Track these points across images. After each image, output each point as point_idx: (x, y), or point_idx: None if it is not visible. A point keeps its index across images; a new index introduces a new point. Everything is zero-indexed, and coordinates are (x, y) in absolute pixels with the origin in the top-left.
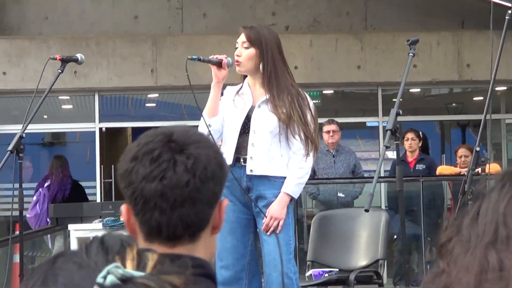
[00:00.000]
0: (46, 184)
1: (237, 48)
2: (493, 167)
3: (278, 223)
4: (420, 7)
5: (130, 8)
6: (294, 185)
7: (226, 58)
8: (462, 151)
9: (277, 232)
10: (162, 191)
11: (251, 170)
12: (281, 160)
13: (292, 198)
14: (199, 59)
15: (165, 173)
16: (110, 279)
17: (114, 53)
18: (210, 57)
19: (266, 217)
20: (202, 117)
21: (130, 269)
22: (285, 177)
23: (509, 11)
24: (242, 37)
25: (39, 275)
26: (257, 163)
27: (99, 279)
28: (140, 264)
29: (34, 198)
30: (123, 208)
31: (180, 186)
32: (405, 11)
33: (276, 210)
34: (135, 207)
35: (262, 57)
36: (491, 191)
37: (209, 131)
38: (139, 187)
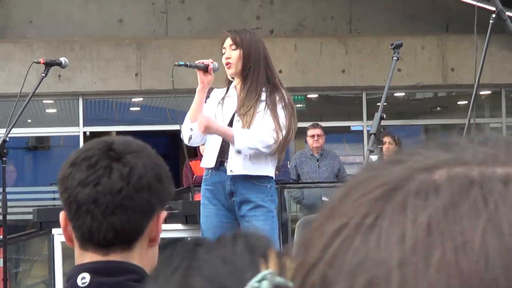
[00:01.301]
0: None
1: (224, 52)
2: None
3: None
4: (405, 11)
5: (116, 12)
6: (244, 139)
7: (212, 63)
8: None
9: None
10: (95, 196)
11: (231, 170)
12: (265, 161)
13: (231, 142)
14: (186, 65)
15: (100, 179)
16: (266, 285)
17: (98, 57)
18: (196, 62)
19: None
20: (184, 121)
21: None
22: (268, 176)
23: (493, 15)
24: (229, 41)
25: (180, 262)
26: (236, 163)
27: (254, 283)
28: (281, 270)
29: None
30: (61, 214)
31: (113, 193)
32: (390, 15)
33: (210, 122)
34: (69, 212)
35: (245, 59)
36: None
37: (191, 134)
38: (74, 192)
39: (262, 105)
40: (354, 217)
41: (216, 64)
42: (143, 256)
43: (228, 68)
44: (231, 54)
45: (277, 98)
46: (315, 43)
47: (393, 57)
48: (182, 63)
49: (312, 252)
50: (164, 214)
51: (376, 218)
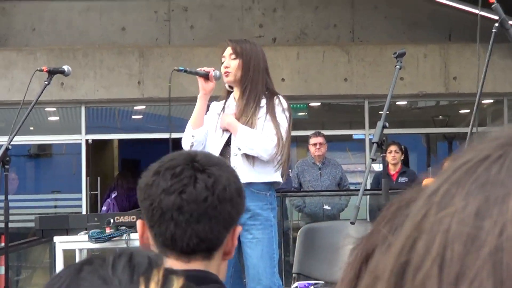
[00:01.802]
0: (113, 195)
1: (223, 61)
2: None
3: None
4: (407, 20)
5: (118, 20)
6: (248, 139)
7: (213, 70)
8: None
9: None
10: (180, 204)
11: None
12: (266, 165)
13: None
14: (186, 71)
15: (185, 187)
16: None
17: (101, 65)
18: (197, 69)
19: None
20: (186, 128)
21: None
22: (271, 182)
23: (496, 24)
24: (229, 50)
25: (63, 280)
26: (240, 172)
27: None
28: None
29: (104, 208)
30: (139, 223)
31: (198, 202)
32: (393, 23)
33: (228, 119)
34: (151, 219)
35: (244, 68)
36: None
37: (192, 142)
38: (157, 199)
39: (262, 111)
40: (477, 156)
41: (218, 72)
42: (218, 268)
43: (226, 76)
44: (230, 63)
45: (276, 102)
46: (317, 51)
47: (396, 65)
48: (182, 68)
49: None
50: (239, 228)
51: (499, 157)
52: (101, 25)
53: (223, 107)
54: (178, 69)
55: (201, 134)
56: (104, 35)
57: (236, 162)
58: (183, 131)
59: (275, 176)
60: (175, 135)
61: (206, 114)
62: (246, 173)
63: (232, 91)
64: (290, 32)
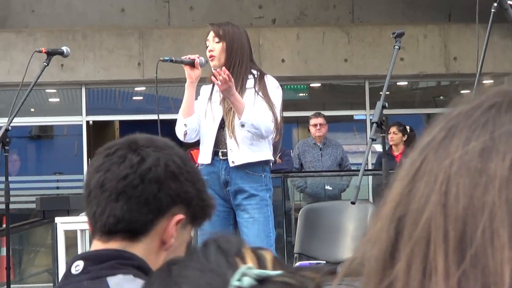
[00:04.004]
0: None
1: (208, 45)
2: None
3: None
4: (407, 0)
5: (117, 1)
6: (252, 115)
7: (198, 57)
8: None
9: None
10: (103, 182)
11: (233, 162)
12: (262, 144)
13: (240, 115)
14: (171, 60)
15: (112, 166)
16: (247, 281)
17: (100, 46)
18: (182, 57)
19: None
20: (178, 118)
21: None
22: (267, 160)
23: (495, 4)
24: (212, 34)
25: (158, 285)
26: (237, 154)
27: (235, 282)
28: (260, 264)
29: None
30: None
31: (118, 179)
32: (392, 4)
33: (233, 85)
34: (84, 199)
35: (228, 51)
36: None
37: (186, 130)
38: (89, 178)
39: (250, 92)
40: (470, 105)
41: (202, 58)
42: (149, 256)
43: (211, 60)
44: (214, 46)
45: (268, 81)
46: (317, 32)
47: (395, 46)
48: (168, 58)
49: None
50: (179, 217)
51: (494, 104)
52: (100, 7)
53: (211, 92)
54: (163, 59)
55: (194, 121)
56: (103, 16)
57: (232, 145)
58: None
59: (268, 154)
60: (175, 117)
61: (196, 99)
62: (241, 155)
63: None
64: (290, 13)
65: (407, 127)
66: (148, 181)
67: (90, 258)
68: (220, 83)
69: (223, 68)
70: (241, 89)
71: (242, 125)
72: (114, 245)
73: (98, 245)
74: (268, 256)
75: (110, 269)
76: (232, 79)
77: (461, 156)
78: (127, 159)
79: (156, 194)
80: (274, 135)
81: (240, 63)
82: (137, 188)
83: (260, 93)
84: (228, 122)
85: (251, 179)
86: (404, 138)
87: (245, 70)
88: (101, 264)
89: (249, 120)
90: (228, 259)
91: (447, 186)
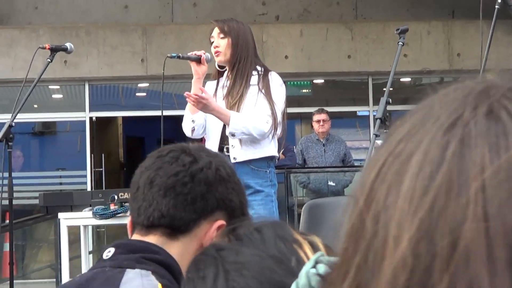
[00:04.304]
0: None
1: (212, 42)
2: None
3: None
4: None
5: None
6: (240, 122)
7: (204, 53)
8: None
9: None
10: (153, 178)
11: (234, 158)
12: (265, 141)
13: (224, 122)
14: (179, 57)
15: (164, 165)
16: (322, 268)
17: (104, 43)
18: (188, 53)
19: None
20: (184, 114)
21: (311, 256)
22: (270, 156)
23: (499, 1)
24: (216, 30)
25: (216, 270)
26: (238, 150)
27: (311, 270)
28: (314, 250)
29: None
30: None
31: (169, 175)
32: (396, 0)
33: (211, 101)
34: (131, 196)
35: (234, 46)
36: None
37: (193, 126)
38: (138, 176)
39: (254, 89)
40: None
41: (208, 54)
42: (183, 256)
43: (217, 56)
44: (220, 42)
45: (271, 78)
46: (321, 28)
47: (398, 42)
48: (175, 54)
49: None
50: (221, 222)
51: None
52: (104, 4)
53: (216, 88)
54: (171, 55)
55: (201, 117)
56: (106, 13)
57: (234, 142)
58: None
59: (272, 150)
60: (182, 113)
61: None
62: (244, 151)
63: (222, 71)
64: (293, 10)
65: None
66: (198, 181)
67: (121, 246)
68: (194, 105)
69: (197, 89)
70: (245, 85)
71: (232, 135)
72: (152, 239)
73: (136, 237)
74: (319, 242)
75: (133, 261)
76: (205, 97)
77: (496, 166)
78: (179, 159)
79: (203, 195)
80: (279, 132)
81: (245, 59)
82: (186, 186)
83: (263, 91)
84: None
85: (256, 175)
86: None
87: (250, 66)
88: (128, 255)
89: (238, 130)
90: (287, 245)
91: (484, 201)
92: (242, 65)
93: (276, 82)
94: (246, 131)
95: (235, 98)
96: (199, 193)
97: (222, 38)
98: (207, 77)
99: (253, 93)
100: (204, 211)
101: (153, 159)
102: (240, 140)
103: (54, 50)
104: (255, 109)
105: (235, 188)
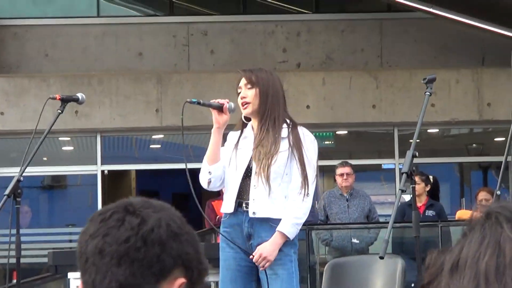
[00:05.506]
0: None
1: (239, 92)
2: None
3: (266, 263)
4: (438, 43)
5: (134, 45)
6: (290, 225)
7: (228, 102)
8: (482, 195)
9: (262, 268)
10: (102, 247)
11: (253, 213)
12: (285, 202)
13: (287, 239)
14: (199, 103)
15: (110, 230)
16: None
17: (117, 92)
18: (211, 101)
19: (254, 255)
20: (202, 164)
21: None
22: None
23: None
24: (244, 80)
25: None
26: (259, 205)
27: None
28: None
29: None
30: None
31: (119, 243)
32: (422, 47)
33: (268, 250)
34: (80, 268)
35: (262, 97)
36: (471, 238)
37: (210, 178)
38: (84, 245)
39: (285, 144)
40: None
41: (232, 104)
42: None
43: (245, 108)
44: (247, 93)
45: (302, 133)
46: (344, 77)
47: (426, 92)
48: (195, 100)
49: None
50: (181, 281)
51: None
52: (117, 51)
53: (238, 139)
54: (191, 101)
55: (219, 169)
56: (120, 61)
57: (256, 195)
58: (202, 161)
59: None
60: (198, 166)
61: (223, 145)
62: (266, 208)
63: (247, 122)
64: (315, 57)
65: (430, 177)
66: (151, 243)
67: None
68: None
69: (258, 252)
70: (277, 138)
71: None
72: None
73: None
74: None
75: None
76: (267, 255)
77: None
78: (126, 222)
79: (159, 256)
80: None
81: (277, 110)
82: (140, 251)
83: (294, 151)
84: (260, 170)
85: (275, 232)
86: (427, 189)
87: (281, 117)
88: None
89: (294, 233)
90: None
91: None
92: (273, 116)
93: (309, 139)
94: (299, 225)
95: (267, 150)
96: (154, 255)
97: (249, 88)
98: (229, 127)
99: (284, 147)
100: (162, 272)
101: (96, 224)
102: (262, 195)
103: (65, 101)
104: (289, 185)
105: (189, 239)
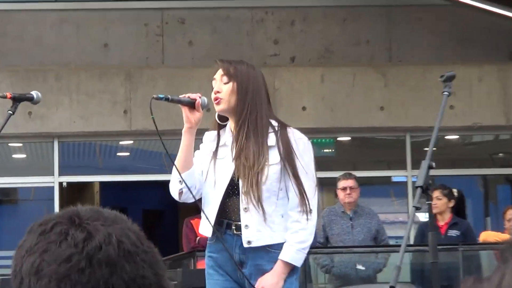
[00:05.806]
0: None
1: (214, 85)
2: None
3: None
4: (457, 35)
5: (99, 35)
6: (294, 251)
7: (200, 97)
8: (511, 213)
9: None
10: (38, 267)
11: (248, 242)
12: (283, 222)
13: (293, 268)
14: (167, 99)
15: (50, 245)
16: None
17: (78, 90)
18: (181, 96)
19: None
20: (172, 171)
21: None
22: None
23: None
24: (220, 72)
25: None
26: (255, 233)
27: None
28: None
29: None
30: None
31: (59, 262)
32: (439, 39)
33: (271, 283)
34: None
35: (240, 93)
36: None
37: (182, 188)
38: (19, 263)
39: (274, 154)
40: None
41: (205, 99)
42: None
43: (217, 104)
44: (222, 87)
45: (292, 137)
46: (346, 73)
47: (443, 91)
48: (162, 96)
49: None
50: None
51: None
52: (78, 42)
53: (216, 147)
54: (158, 96)
55: (192, 177)
56: (81, 53)
57: (248, 220)
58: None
59: None
60: (167, 177)
61: (199, 149)
62: (263, 236)
63: (222, 124)
64: (312, 50)
65: (454, 191)
66: (97, 263)
67: None
68: None
69: (260, 286)
70: (262, 146)
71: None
72: None
73: None
74: None
75: None
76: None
77: None
78: (69, 236)
79: (107, 280)
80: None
81: (258, 111)
82: (84, 272)
83: (286, 164)
84: (248, 189)
85: (272, 257)
86: (451, 204)
87: (266, 120)
88: None
89: (300, 259)
90: None
91: None
92: (254, 117)
93: (301, 142)
94: (306, 249)
95: (251, 163)
96: (101, 278)
97: (225, 82)
98: (201, 132)
99: (275, 159)
100: None
101: (35, 236)
102: (256, 220)
103: (17, 100)
104: (286, 201)
105: (146, 259)
